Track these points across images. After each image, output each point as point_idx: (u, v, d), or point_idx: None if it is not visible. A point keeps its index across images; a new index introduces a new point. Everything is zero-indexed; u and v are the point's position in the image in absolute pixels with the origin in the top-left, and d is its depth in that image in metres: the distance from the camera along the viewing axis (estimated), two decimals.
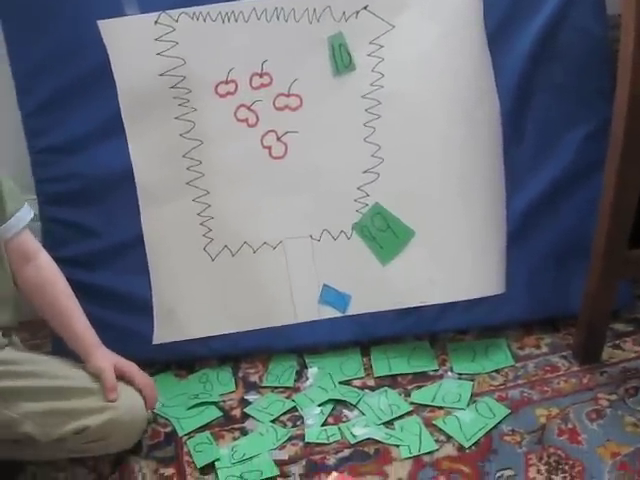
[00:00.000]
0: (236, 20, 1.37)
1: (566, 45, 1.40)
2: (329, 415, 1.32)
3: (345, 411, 1.33)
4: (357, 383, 1.39)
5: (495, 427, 1.25)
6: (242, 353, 1.46)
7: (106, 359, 1.22)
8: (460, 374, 1.38)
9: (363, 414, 1.31)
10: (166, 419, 1.34)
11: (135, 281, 1.43)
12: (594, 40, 1.40)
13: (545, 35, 1.39)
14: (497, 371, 1.38)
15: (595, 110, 1.40)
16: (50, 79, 1.40)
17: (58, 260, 1.37)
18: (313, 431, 1.28)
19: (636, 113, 1.16)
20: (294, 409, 1.34)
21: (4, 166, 1.23)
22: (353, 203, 1.42)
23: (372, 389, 1.37)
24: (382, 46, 1.38)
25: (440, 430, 1.26)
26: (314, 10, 1.37)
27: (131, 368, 1.24)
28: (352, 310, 1.44)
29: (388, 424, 1.29)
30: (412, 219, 1.40)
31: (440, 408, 1.31)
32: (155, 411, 1.33)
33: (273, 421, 1.32)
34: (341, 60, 1.39)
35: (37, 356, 1.26)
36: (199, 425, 1.32)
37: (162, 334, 1.43)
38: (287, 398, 1.37)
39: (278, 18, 1.38)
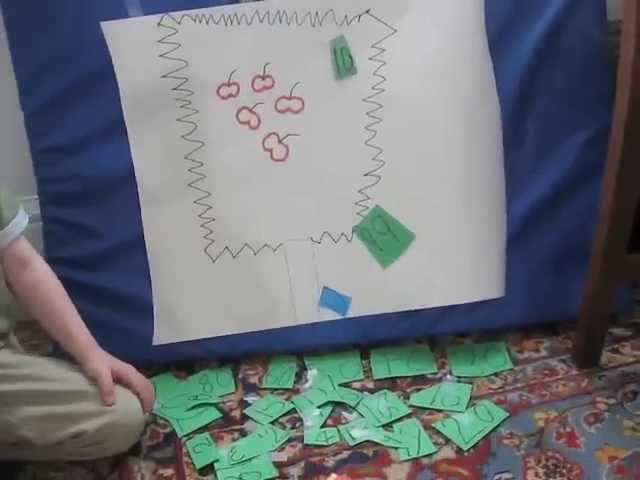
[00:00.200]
0: (239, 23, 1.38)
1: (567, 50, 1.40)
2: (328, 417, 1.32)
3: (344, 413, 1.33)
4: (356, 385, 1.39)
5: (494, 430, 1.25)
6: (242, 355, 1.47)
7: (103, 361, 1.22)
8: (459, 377, 1.39)
9: (362, 416, 1.31)
10: (165, 420, 1.34)
11: (135, 282, 1.44)
12: (595, 46, 1.40)
13: (546, 40, 1.40)
14: (496, 374, 1.39)
15: (595, 115, 1.40)
16: (53, 80, 1.40)
17: (59, 260, 1.39)
18: (312, 433, 1.29)
19: (636, 119, 1.17)
20: (293, 411, 1.34)
21: (6, 166, 1.23)
22: (354, 206, 1.42)
23: (371, 391, 1.37)
24: (384, 50, 1.39)
25: (439, 433, 1.26)
26: (316, 13, 1.38)
27: (128, 370, 1.24)
28: (352, 312, 1.44)
29: (387, 426, 1.29)
30: (412, 222, 1.41)
31: (439, 411, 1.31)
32: (154, 412, 1.33)
33: (272, 423, 1.32)
34: (343, 63, 1.40)
35: (33, 358, 1.26)
36: (198, 426, 1.32)
37: (162, 335, 1.44)
38: (286, 400, 1.37)
39: (280, 21, 1.38)
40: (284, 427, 1.31)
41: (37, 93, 1.41)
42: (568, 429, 1.24)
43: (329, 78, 1.40)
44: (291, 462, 1.24)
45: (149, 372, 1.40)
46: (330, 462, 1.23)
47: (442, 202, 1.40)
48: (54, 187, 1.44)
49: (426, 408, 1.32)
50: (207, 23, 1.38)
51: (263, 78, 1.40)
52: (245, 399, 1.39)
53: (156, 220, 1.43)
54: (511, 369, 1.40)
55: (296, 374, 1.43)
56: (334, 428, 1.29)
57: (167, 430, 1.32)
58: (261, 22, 1.38)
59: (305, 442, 1.27)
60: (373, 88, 1.40)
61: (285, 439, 1.28)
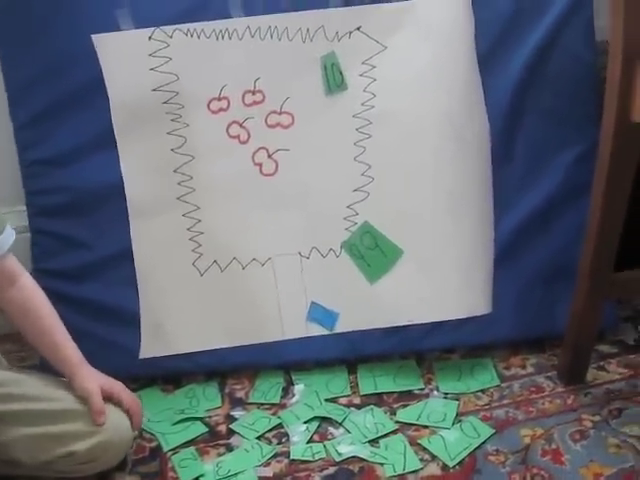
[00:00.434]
0: (230, 38, 1.39)
1: (556, 69, 1.42)
2: (314, 432, 1.32)
3: (331, 429, 1.33)
4: (343, 401, 1.39)
5: (479, 447, 1.25)
6: (229, 369, 1.46)
7: (92, 380, 1.21)
8: (446, 393, 1.39)
9: (349, 432, 1.31)
10: (151, 434, 1.33)
11: (123, 295, 1.43)
12: (583, 66, 1.42)
13: (535, 59, 1.41)
14: (482, 391, 1.39)
15: (583, 134, 1.41)
16: (43, 92, 1.40)
17: (46, 272, 1.38)
18: (298, 448, 1.28)
19: (622, 138, 1.17)
20: (280, 426, 1.34)
21: None
22: (342, 221, 1.43)
23: (358, 407, 1.37)
24: (374, 66, 1.40)
25: (425, 449, 1.26)
26: (307, 30, 1.39)
27: (118, 388, 1.23)
28: (339, 328, 1.44)
29: (373, 442, 1.29)
30: (401, 238, 1.41)
31: (425, 427, 1.31)
32: (142, 426, 1.32)
33: (258, 437, 1.31)
34: (333, 79, 1.40)
35: (21, 375, 1.25)
36: (184, 440, 1.31)
37: (149, 348, 1.43)
38: (273, 415, 1.37)
39: (272, 37, 1.39)
40: (270, 442, 1.31)
41: (27, 105, 1.41)
42: (554, 446, 1.24)
43: (319, 94, 1.41)
44: (277, 477, 1.23)
45: (135, 385, 1.40)
46: (316, 478, 1.22)
47: (431, 219, 1.41)
48: (42, 199, 1.43)
49: (412, 424, 1.32)
50: (198, 37, 1.38)
51: (253, 93, 1.41)
52: (231, 414, 1.38)
53: (144, 233, 1.43)
54: (497, 386, 1.40)
55: (283, 389, 1.43)
56: (320, 443, 1.29)
57: (153, 444, 1.32)
58: (252, 37, 1.39)
59: (291, 457, 1.27)
60: (363, 104, 1.40)
61: (271, 454, 1.27)
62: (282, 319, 1.43)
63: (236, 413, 1.38)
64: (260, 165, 1.43)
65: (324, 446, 1.28)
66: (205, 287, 1.43)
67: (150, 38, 1.37)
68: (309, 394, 1.41)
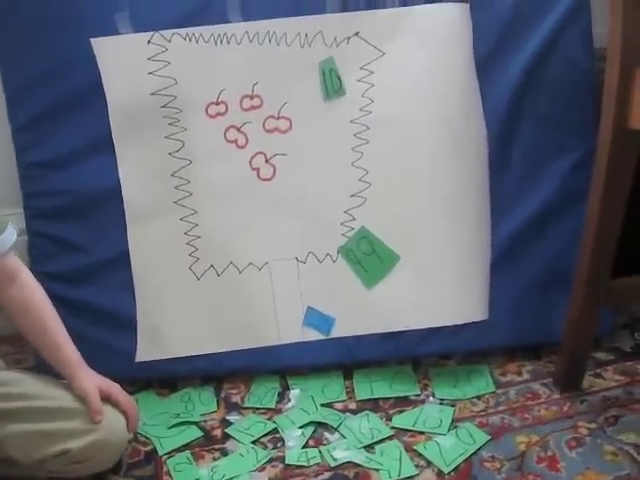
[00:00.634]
0: (228, 42, 1.39)
1: (554, 75, 1.42)
2: (310, 437, 1.32)
3: (326, 434, 1.33)
4: (339, 406, 1.39)
5: (475, 453, 1.25)
6: (225, 373, 1.46)
7: (91, 381, 1.21)
8: (442, 399, 1.39)
9: (344, 437, 1.31)
10: (146, 438, 1.33)
11: (120, 298, 1.43)
12: (581, 72, 1.42)
13: (533, 65, 1.41)
14: (478, 397, 1.39)
15: (581, 140, 1.41)
16: (41, 94, 1.40)
17: (43, 274, 1.38)
18: (293, 453, 1.28)
19: (620, 144, 1.18)
20: (275, 431, 1.34)
21: None
22: (339, 227, 1.43)
23: (354, 412, 1.37)
24: (372, 72, 1.40)
25: (420, 455, 1.26)
26: (306, 35, 1.39)
27: (116, 389, 1.23)
28: (336, 333, 1.44)
29: (368, 448, 1.28)
30: (398, 244, 1.41)
31: (421, 433, 1.31)
32: (137, 429, 1.32)
33: (254, 442, 1.31)
34: (331, 85, 1.41)
35: (17, 375, 1.25)
36: (179, 444, 1.31)
37: (145, 352, 1.43)
38: (268, 419, 1.37)
39: (270, 42, 1.39)
40: (265, 447, 1.30)
41: (25, 107, 1.41)
42: (549, 453, 1.24)
43: (317, 99, 1.41)
44: None
45: (131, 389, 1.39)
46: None
47: (427, 224, 1.41)
48: (40, 201, 1.43)
49: (408, 430, 1.32)
50: (197, 42, 1.38)
51: (252, 97, 1.41)
52: (227, 418, 1.38)
53: (141, 237, 1.43)
54: (493, 392, 1.40)
55: (279, 394, 1.43)
56: (316, 449, 1.29)
57: (148, 448, 1.31)
58: (251, 42, 1.39)
59: (286, 462, 1.26)
60: (361, 110, 1.41)
61: (266, 459, 1.27)
62: (278, 324, 1.43)
63: (232, 417, 1.38)
64: (258, 170, 1.43)
65: (319, 451, 1.28)
66: (202, 291, 1.43)
67: (149, 42, 1.38)
68: (305, 399, 1.41)
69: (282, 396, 1.42)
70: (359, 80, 1.40)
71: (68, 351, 1.23)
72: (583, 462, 1.21)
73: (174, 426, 1.36)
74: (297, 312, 1.44)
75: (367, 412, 1.36)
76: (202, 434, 1.34)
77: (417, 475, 1.22)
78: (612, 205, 1.22)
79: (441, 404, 1.38)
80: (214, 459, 1.28)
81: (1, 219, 1.22)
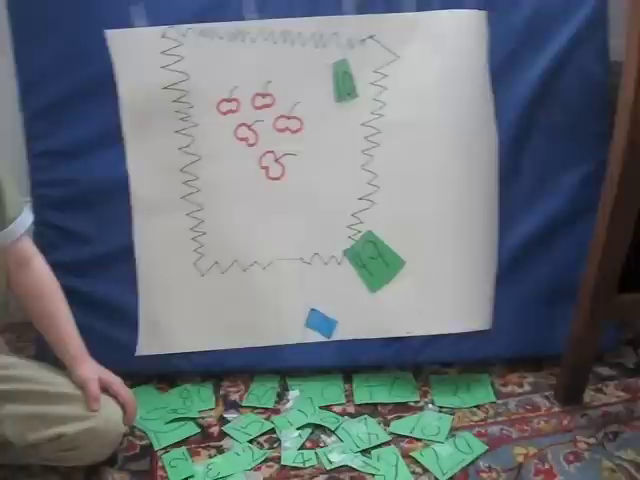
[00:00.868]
0: (243, 40, 1.39)
1: (567, 87, 1.41)
2: (307, 439, 1.31)
3: (323, 436, 1.32)
4: (337, 409, 1.39)
5: (472, 463, 1.25)
6: (225, 371, 1.46)
7: (92, 370, 1.22)
8: (441, 407, 1.38)
9: (341, 440, 1.31)
10: (143, 432, 1.33)
11: (123, 291, 1.43)
12: (596, 85, 1.41)
13: (548, 76, 1.41)
14: (478, 407, 1.38)
15: (592, 153, 1.41)
16: (55, 83, 1.40)
17: (49, 264, 1.37)
18: (290, 454, 1.28)
19: (632, 159, 1.17)
20: (272, 431, 1.33)
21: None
22: (346, 229, 1.42)
23: (352, 416, 1.37)
24: (386, 75, 1.40)
25: (417, 462, 1.25)
26: (321, 36, 1.39)
27: (116, 382, 1.24)
28: (337, 336, 1.43)
29: (365, 452, 1.28)
30: (403, 249, 1.41)
31: (418, 440, 1.30)
32: (134, 423, 1.32)
33: (250, 441, 1.31)
34: (344, 87, 1.40)
35: (20, 360, 1.25)
36: (176, 440, 1.31)
37: (146, 346, 1.43)
38: (266, 419, 1.36)
39: (285, 41, 1.39)
40: (262, 446, 1.30)
41: (38, 96, 1.41)
42: (547, 466, 1.23)
43: (329, 100, 1.41)
44: None
45: (131, 382, 1.38)
46: None
47: (434, 231, 1.41)
48: (48, 191, 1.43)
49: (406, 436, 1.31)
50: (211, 38, 1.38)
51: (264, 96, 1.41)
52: (225, 416, 1.38)
53: (147, 230, 1.43)
54: (493, 402, 1.39)
55: (278, 394, 1.42)
56: (312, 451, 1.28)
57: (144, 442, 1.31)
58: (265, 40, 1.39)
59: (282, 463, 1.26)
60: (373, 113, 1.40)
61: (262, 459, 1.27)
62: (280, 324, 1.43)
63: (229, 415, 1.38)
64: (267, 168, 1.42)
65: (315, 453, 1.28)
66: (205, 287, 1.43)
67: (163, 36, 1.38)
68: (303, 400, 1.40)
69: (281, 396, 1.42)
70: (372, 83, 1.40)
71: (73, 339, 1.24)
72: (581, 477, 1.21)
73: (171, 421, 1.36)
74: (299, 313, 1.43)
75: (365, 416, 1.36)
76: (199, 431, 1.34)
77: None
78: (621, 220, 1.21)
79: (440, 412, 1.37)
80: (210, 456, 1.28)
81: (19, 203, 1.24)
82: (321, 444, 1.30)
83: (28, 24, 1.39)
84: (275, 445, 1.30)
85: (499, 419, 1.35)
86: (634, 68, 1.12)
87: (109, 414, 1.20)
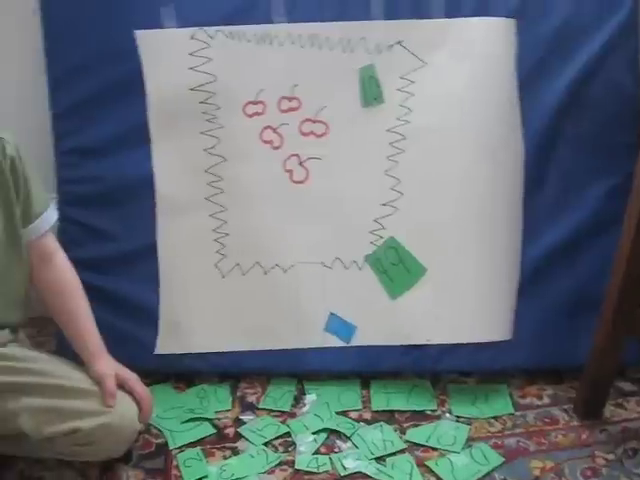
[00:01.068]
0: (271, 43, 1.39)
1: (596, 98, 1.40)
2: (322, 444, 1.31)
3: (338, 442, 1.32)
4: (354, 415, 1.38)
5: (488, 474, 1.23)
6: (243, 372, 1.46)
7: (110, 367, 1.23)
8: (458, 417, 1.37)
9: (356, 447, 1.30)
10: (159, 430, 1.33)
11: (144, 289, 1.44)
12: (625, 96, 1.40)
13: (576, 86, 1.40)
14: (496, 418, 1.37)
15: (619, 165, 1.39)
16: (85, 81, 1.42)
17: (72, 260, 1.38)
18: (304, 458, 1.27)
19: None
20: (287, 434, 1.33)
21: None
22: (368, 235, 1.42)
23: (368, 422, 1.36)
24: (412, 82, 1.39)
25: (431, 471, 1.24)
26: (348, 41, 1.39)
27: (133, 379, 1.25)
28: (356, 341, 1.43)
29: (380, 459, 1.27)
30: (425, 256, 1.40)
31: (434, 449, 1.29)
32: (149, 421, 1.33)
33: (265, 444, 1.31)
34: (370, 92, 1.40)
35: (40, 355, 1.26)
36: (191, 440, 1.32)
37: (165, 345, 1.44)
38: (282, 422, 1.36)
39: (312, 45, 1.39)
40: (276, 450, 1.30)
41: (68, 93, 1.43)
42: None
43: (355, 105, 1.41)
44: None
45: (148, 380, 1.39)
46: None
47: (457, 239, 1.40)
48: (74, 188, 1.45)
49: (421, 445, 1.30)
50: (240, 40, 1.39)
51: (290, 99, 1.41)
52: (241, 417, 1.38)
53: (171, 230, 1.43)
54: (511, 414, 1.38)
55: (294, 397, 1.42)
56: (326, 456, 1.28)
57: (160, 441, 1.32)
58: (293, 44, 1.39)
59: (296, 467, 1.26)
60: (398, 119, 1.40)
61: (276, 462, 1.27)
62: (300, 327, 1.43)
63: (245, 417, 1.38)
64: (291, 172, 1.43)
65: (330, 459, 1.27)
66: (226, 289, 1.43)
67: (192, 37, 1.39)
68: (320, 405, 1.40)
69: (298, 400, 1.42)
70: (399, 89, 1.40)
71: (91, 336, 1.25)
72: None
73: (187, 421, 1.36)
74: (319, 317, 1.43)
75: (381, 423, 1.35)
76: (215, 431, 1.34)
77: None
78: None
79: (457, 422, 1.36)
80: (224, 457, 1.28)
81: (45, 199, 1.26)
82: (336, 449, 1.30)
83: (60, 23, 1.41)
84: (290, 449, 1.30)
85: (517, 431, 1.34)
86: None
87: (124, 410, 1.20)
